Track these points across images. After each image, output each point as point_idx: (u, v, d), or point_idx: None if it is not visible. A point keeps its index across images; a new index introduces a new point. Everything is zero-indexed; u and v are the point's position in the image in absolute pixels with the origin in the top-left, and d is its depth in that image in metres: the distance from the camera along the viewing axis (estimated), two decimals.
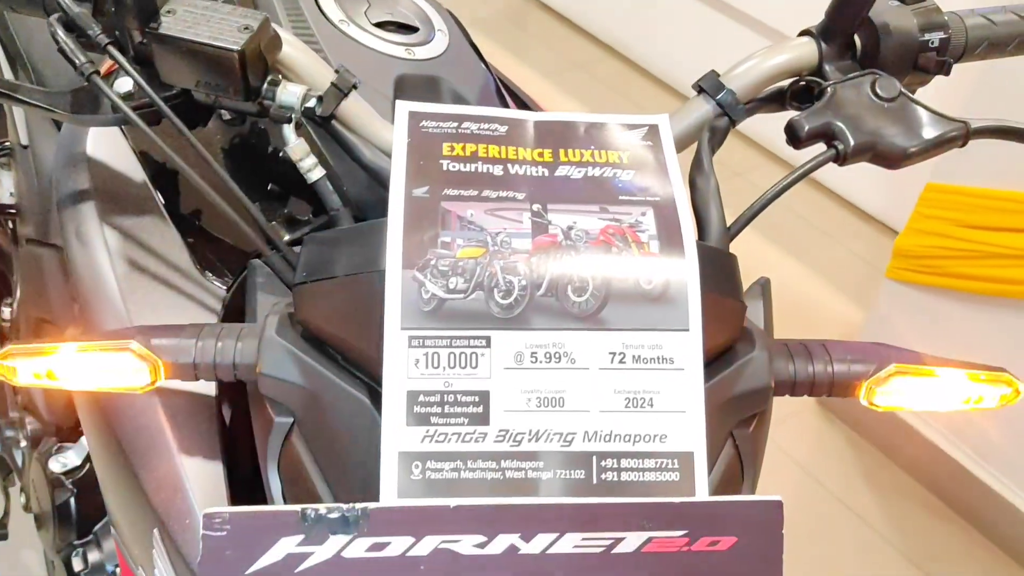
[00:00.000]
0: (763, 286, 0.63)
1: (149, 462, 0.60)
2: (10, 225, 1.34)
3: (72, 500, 1.05)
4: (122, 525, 0.66)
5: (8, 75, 1.10)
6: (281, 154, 0.62)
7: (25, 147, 1.11)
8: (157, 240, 0.66)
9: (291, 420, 0.53)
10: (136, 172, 0.70)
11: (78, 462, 1.02)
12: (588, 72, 2.99)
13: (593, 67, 3.01)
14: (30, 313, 1.10)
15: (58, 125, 1.05)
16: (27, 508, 1.25)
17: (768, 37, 2.59)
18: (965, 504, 1.84)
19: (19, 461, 1.26)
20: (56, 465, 1.03)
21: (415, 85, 0.73)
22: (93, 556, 1.01)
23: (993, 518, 1.79)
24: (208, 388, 0.61)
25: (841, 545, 1.80)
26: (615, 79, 2.96)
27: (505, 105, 0.83)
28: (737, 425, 0.55)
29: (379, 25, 0.76)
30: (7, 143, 1.30)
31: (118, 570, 1.00)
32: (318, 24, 0.73)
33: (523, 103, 0.96)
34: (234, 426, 0.62)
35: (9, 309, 1.29)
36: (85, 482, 1.04)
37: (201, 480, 0.59)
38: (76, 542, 1.02)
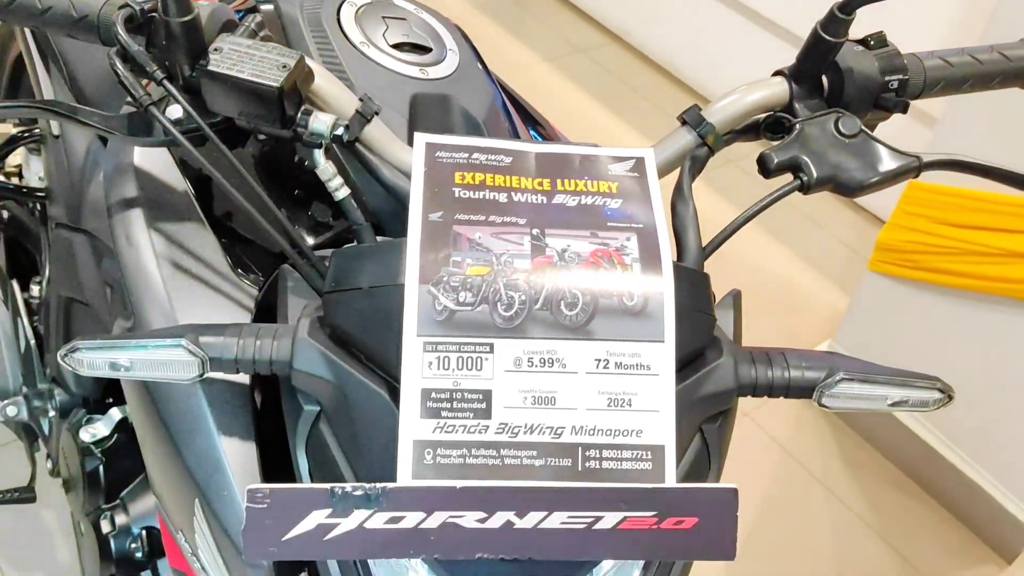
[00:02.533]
0: (735, 297, 0.71)
1: (191, 441, 0.68)
2: (38, 207, 1.41)
3: (101, 468, 1.13)
4: (164, 495, 0.74)
5: (46, 87, 1.16)
6: (307, 163, 0.70)
7: (56, 136, 1.18)
8: (197, 244, 0.74)
9: (318, 408, 0.62)
10: (179, 183, 0.78)
11: (106, 432, 1.11)
12: (590, 57, 3.05)
13: (595, 52, 3.07)
14: (60, 292, 1.18)
15: (83, 97, 1.11)
16: (53, 473, 1.33)
17: (764, 27, 2.66)
18: (936, 485, 1.94)
19: (46, 429, 1.34)
20: (86, 435, 1.11)
21: (428, 104, 0.80)
22: (120, 519, 1.10)
23: (962, 498, 1.89)
24: (243, 377, 0.69)
25: (817, 522, 1.89)
26: (616, 65, 3.03)
27: (509, 118, 0.91)
28: (705, 420, 0.63)
29: (396, 46, 0.84)
30: (37, 130, 1.37)
31: (143, 532, 1.09)
32: (341, 47, 0.80)
33: (526, 113, 1.03)
34: (264, 411, 0.70)
35: (38, 287, 1.37)
36: (113, 451, 1.12)
37: (238, 458, 0.67)
38: (104, 506, 1.11)
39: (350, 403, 0.59)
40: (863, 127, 0.69)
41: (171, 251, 0.74)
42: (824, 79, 0.71)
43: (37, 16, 0.69)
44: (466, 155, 0.63)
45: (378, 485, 0.55)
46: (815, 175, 0.68)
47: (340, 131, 0.65)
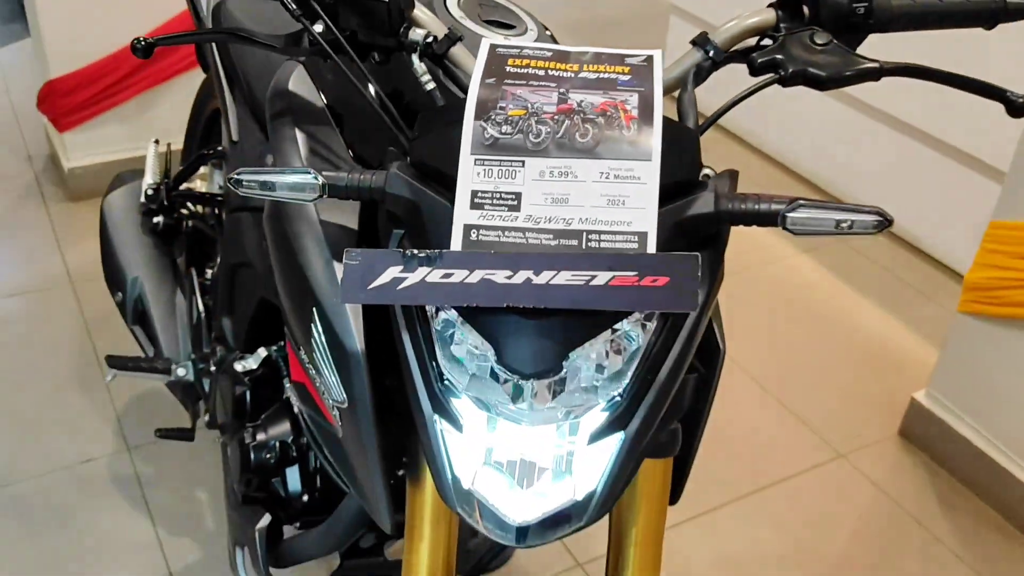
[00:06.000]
0: (732, 175, 0.89)
1: (312, 261, 0.91)
2: (215, 211, 1.74)
3: (247, 393, 1.38)
4: (290, 313, 0.96)
5: (233, 123, 1.48)
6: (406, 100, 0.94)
7: (235, 142, 1.49)
8: (328, 139, 0.99)
9: (403, 232, 0.84)
10: (317, 100, 1.05)
11: (254, 366, 1.35)
12: None
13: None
14: (229, 262, 1.46)
15: (260, 123, 1.42)
16: (210, 425, 1.59)
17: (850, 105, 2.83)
18: None
19: (206, 388, 1.61)
20: (239, 367, 1.37)
21: None
22: (260, 436, 1.33)
23: None
24: (352, 218, 0.93)
25: (912, 558, 1.92)
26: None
27: None
28: (695, 246, 0.81)
29: (487, 22, 1.09)
30: (219, 147, 1.70)
31: (277, 445, 1.32)
32: (444, 18, 1.06)
33: None
34: (367, 244, 0.93)
35: (211, 271, 1.68)
36: (258, 380, 1.37)
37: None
38: (248, 424, 1.35)
39: (423, 211, 0.81)
40: (834, 40, 0.88)
41: (309, 145, 0.99)
42: (804, 8, 0.91)
43: None
44: (518, 50, 0.87)
45: (436, 251, 0.76)
46: (790, 70, 0.87)
47: (430, 40, 0.90)
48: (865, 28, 0.91)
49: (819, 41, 0.88)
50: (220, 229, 1.68)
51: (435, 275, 0.76)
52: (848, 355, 2.44)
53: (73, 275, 2.49)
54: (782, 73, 0.88)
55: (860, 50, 0.92)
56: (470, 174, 0.78)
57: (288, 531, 1.39)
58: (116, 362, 1.62)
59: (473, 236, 0.77)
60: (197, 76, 1.99)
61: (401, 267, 0.77)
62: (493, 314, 0.77)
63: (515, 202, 0.78)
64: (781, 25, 0.92)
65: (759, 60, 0.88)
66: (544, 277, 0.75)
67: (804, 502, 2.02)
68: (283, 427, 1.33)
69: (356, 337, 0.88)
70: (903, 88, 2.67)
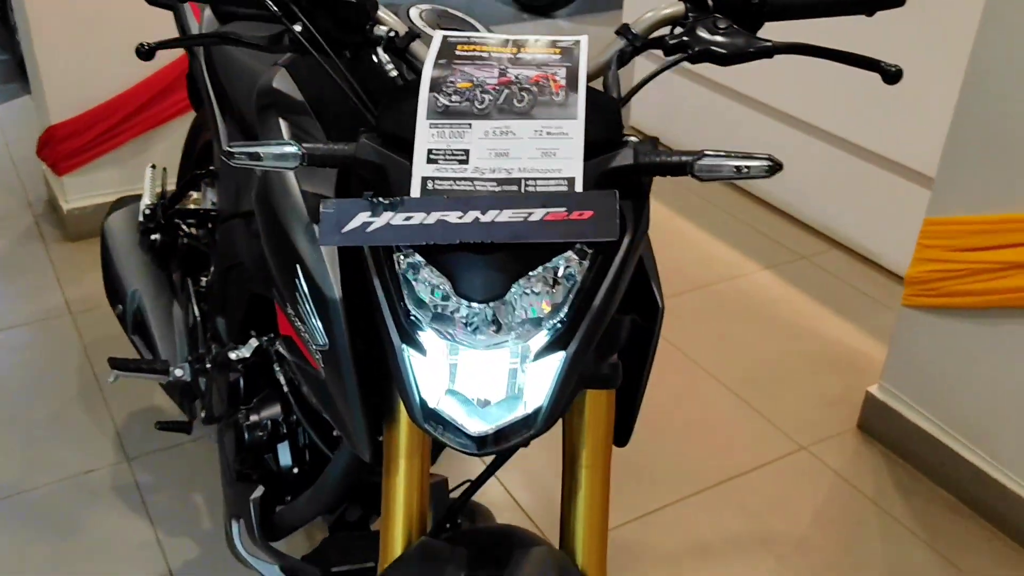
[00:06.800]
0: (653, 140, 1.04)
1: (294, 223, 1.05)
2: (208, 226, 1.88)
3: (240, 379, 1.51)
4: (276, 271, 1.10)
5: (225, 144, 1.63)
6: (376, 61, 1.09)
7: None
8: (309, 128, 1.14)
9: (372, 192, 0.98)
10: (298, 95, 1.20)
11: (247, 355, 1.49)
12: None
13: None
14: (223, 265, 1.60)
15: (247, 132, 1.57)
16: (206, 421, 1.72)
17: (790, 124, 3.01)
18: (984, 503, 2.05)
19: (202, 387, 1.73)
20: (233, 355, 1.50)
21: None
22: (252, 417, 1.46)
23: (1008, 513, 2.00)
24: (330, 186, 1.07)
25: (870, 535, 2.04)
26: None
27: None
28: (623, 198, 0.96)
29: (443, 28, 1.25)
30: (212, 167, 1.86)
31: (268, 424, 1.44)
32: (408, 25, 1.22)
33: None
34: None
35: (205, 278, 1.82)
36: (250, 367, 1.50)
37: None
38: (242, 407, 1.47)
39: (388, 171, 0.96)
40: (734, 24, 1.04)
41: (292, 130, 1.15)
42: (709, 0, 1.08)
43: None
44: (466, 38, 1.02)
45: (399, 198, 0.90)
46: (696, 49, 1.03)
47: (392, 35, 1.06)
48: (760, 15, 1.07)
49: (721, 26, 1.04)
50: (213, 241, 1.82)
51: (398, 218, 0.90)
52: (808, 357, 2.58)
53: (73, 307, 2.62)
54: (690, 52, 1.03)
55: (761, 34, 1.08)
56: (426, 136, 0.93)
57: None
58: (118, 363, 1.74)
59: (430, 186, 0.92)
60: (187, 120, 2.16)
61: (369, 212, 0.91)
62: (449, 252, 0.91)
63: (464, 157, 0.92)
64: (689, 14, 1.08)
65: (671, 42, 1.04)
66: (490, 215, 0.89)
67: (769, 491, 2.14)
68: (274, 408, 1.46)
69: (334, 286, 1.02)
70: (850, 110, 2.87)
